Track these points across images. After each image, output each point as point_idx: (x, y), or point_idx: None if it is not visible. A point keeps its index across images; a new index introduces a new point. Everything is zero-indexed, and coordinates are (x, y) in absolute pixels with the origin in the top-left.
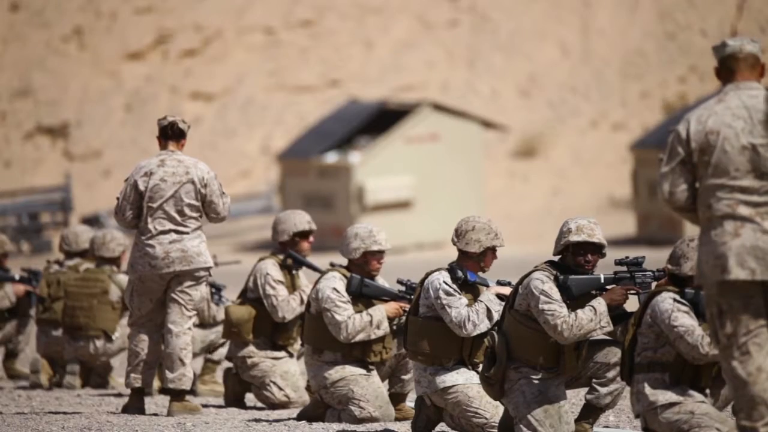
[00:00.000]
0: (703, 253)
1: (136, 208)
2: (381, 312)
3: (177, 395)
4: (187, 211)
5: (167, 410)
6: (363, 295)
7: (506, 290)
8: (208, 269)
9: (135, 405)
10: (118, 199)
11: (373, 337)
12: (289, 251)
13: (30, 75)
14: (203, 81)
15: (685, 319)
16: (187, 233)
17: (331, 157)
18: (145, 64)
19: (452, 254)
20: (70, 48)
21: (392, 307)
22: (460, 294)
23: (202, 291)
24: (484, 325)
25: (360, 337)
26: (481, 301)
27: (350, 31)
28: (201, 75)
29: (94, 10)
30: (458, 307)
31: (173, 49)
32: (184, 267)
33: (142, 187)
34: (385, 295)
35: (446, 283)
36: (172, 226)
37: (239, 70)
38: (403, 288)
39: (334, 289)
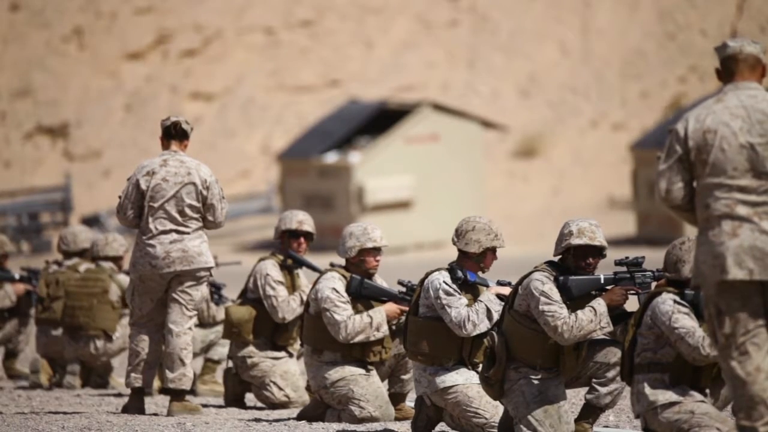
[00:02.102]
0: (701, 253)
1: (137, 207)
2: (381, 314)
3: (177, 395)
4: (188, 211)
5: (167, 410)
6: (362, 296)
7: (506, 290)
8: (209, 269)
9: (135, 405)
10: (120, 197)
11: (372, 339)
12: (289, 251)
13: (30, 75)
14: (203, 81)
15: (685, 321)
16: (188, 233)
17: (331, 157)
18: (145, 64)
19: (452, 254)
20: (70, 48)
21: (392, 308)
22: (460, 294)
23: (203, 291)
24: (484, 325)
25: (359, 338)
26: (481, 301)
27: (350, 31)
28: (201, 75)
29: (94, 10)
30: (458, 307)
31: (173, 49)
32: (185, 267)
33: (143, 187)
34: (384, 296)
35: (446, 283)
36: (173, 226)
37: (239, 70)
38: (403, 289)
39: (334, 289)
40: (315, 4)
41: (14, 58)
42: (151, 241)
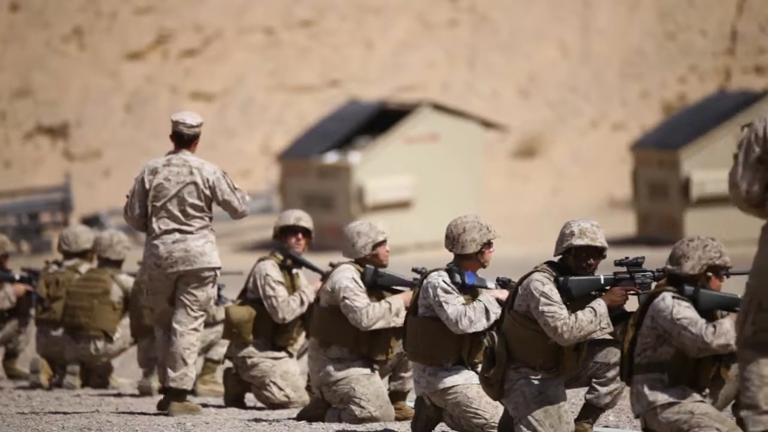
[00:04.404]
0: (765, 249)
1: (143, 206)
2: (399, 300)
3: (178, 395)
4: (190, 210)
5: (167, 410)
6: (378, 286)
7: (505, 294)
8: (213, 269)
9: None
10: (128, 196)
11: (392, 325)
12: (289, 252)
13: (30, 75)
14: (203, 81)
15: (687, 312)
16: (191, 233)
17: (331, 157)
18: (145, 64)
19: (451, 255)
20: (70, 48)
21: (410, 296)
22: (458, 293)
23: (209, 292)
24: (481, 324)
25: (380, 324)
26: (479, 300)
27: (350, 31)
28: (201, 75)
29: (94, 10)
30: (455, 304)
31: (173, 49)
32: (187, 267)
33: (147, 185)
34: (399, 284)
35: (445, 282)
36: (176, 226)
37: (239, 70)
38: (418, 276)
39: (352, 278)
40: (315, 4)
41: (14, 58)
42: (155, 241)
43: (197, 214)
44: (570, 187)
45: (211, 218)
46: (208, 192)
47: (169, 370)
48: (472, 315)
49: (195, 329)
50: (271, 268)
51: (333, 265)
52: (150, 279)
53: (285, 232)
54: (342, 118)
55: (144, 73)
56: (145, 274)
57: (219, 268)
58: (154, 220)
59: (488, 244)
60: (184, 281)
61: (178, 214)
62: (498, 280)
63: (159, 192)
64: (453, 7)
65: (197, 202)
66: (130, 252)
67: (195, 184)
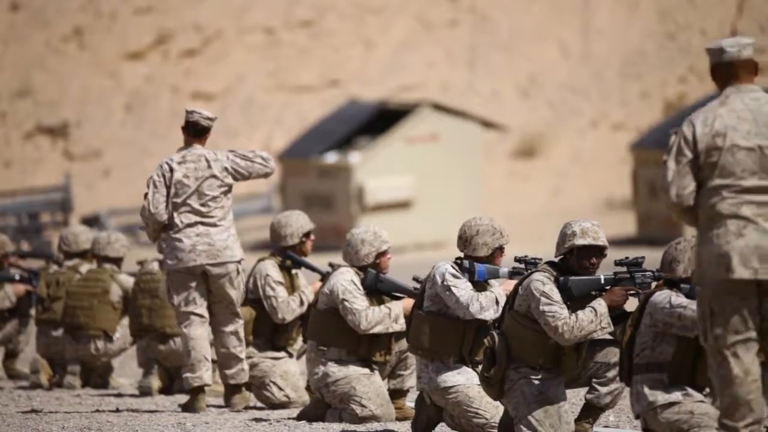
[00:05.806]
0: (704, 251)
1: (166, 201)
2: (399, 306)
3: (237, 389)
4: (211, 203)
5: (229, 403)
6: (377, 291)
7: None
8: (235, 263)
9: (193, 404)
10: (146, 195)
11: (390, 330)
12: (288, 252)
13: (30, 75)
14: (203, 81)
15: (684, 299)
16: (214, 225)
17: (331, 157)
18: (145, 64)
19: (452, 254)
20: (70, 48)
21: (409, 304)
22: (467, 279)
23: (241, 286)
24: (489, 313)
25: (378, 328)
26: (491, 291)
27: (350, 31)
28: (201, 75)
29: (94, 10)
30: (465, 288)
31: (173, 49)
32: (211, 261)
33: (167, 183)
34: (399, 291)
35: (453, 268)
36: (198, 219)
37: (239, 70)
38: (418, 285)
39: (351, 281)
40: (315, 4)
41: (14, 58)
42: (177, 235)
43: (218, 205)
44: (570, 187)
45: (229, 206)
46: (230, 179)
47: (226, 370)
48: (483, 301)
49: (239, 320)
50: (271, 269)
51: (332, 266)
52: (170, 274)
53: (305, 236)
54: (342, 118)
55: (144, 73)
56: (165, 270)
57: (242, 260)
58: (175, 215)
59: (500, 248)
60: (212, 280)
61: (200, 208)
62: (515, 260)
63: (179, 189)
64: (453, 7)
65: (216, 193)
66: (129, 252)
67: (214, 176)
